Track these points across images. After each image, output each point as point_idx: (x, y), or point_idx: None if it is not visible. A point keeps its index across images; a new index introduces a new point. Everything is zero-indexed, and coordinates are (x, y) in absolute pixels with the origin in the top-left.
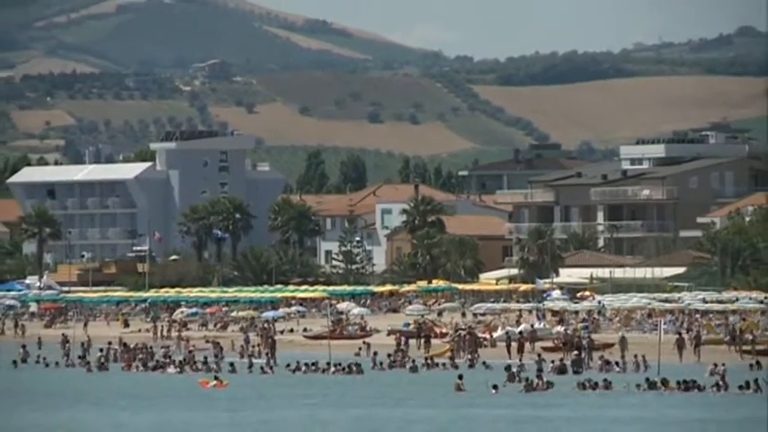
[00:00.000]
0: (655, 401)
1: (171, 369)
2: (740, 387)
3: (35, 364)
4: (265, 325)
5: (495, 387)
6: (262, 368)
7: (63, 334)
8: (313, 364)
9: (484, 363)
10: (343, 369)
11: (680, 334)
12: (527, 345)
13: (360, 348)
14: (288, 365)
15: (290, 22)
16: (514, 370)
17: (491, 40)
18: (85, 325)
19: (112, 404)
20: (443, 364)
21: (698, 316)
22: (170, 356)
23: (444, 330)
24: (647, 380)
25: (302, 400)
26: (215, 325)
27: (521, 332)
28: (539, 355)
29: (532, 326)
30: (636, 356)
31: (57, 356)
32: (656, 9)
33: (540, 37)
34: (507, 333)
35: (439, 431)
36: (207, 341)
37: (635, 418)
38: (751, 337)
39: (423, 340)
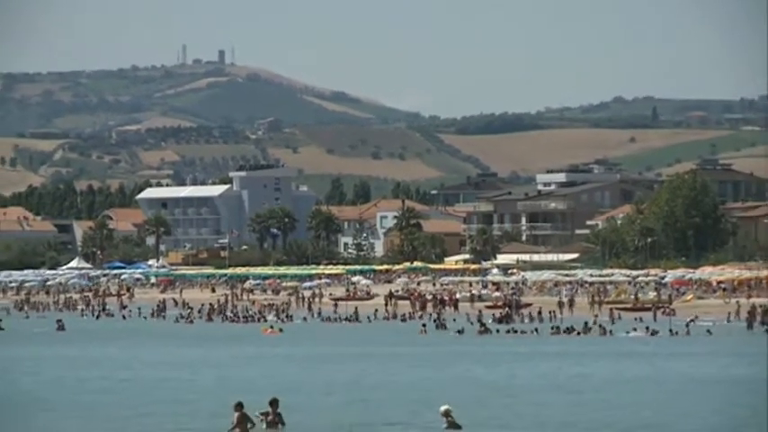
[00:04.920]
0: (565, 341)
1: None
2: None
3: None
4: (315, 291)
5: (458, 332)
6: (305, 318)
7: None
8: (336, 318)
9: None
10: (347, 320)
11: (560, 299)
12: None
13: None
14: (304, 319)
15: (320, 92)
16: (443, 321)
17: (452, 104)
18: (180, 292)
19: (203, 344)
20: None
21: (587, 285)
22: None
23: (427, 295)
24: (568, 327)
25: (321, 342)
26: (272, 291)
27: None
28: (479, 311)
29: (474, 292)
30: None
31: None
32: (559, 84)
33: (484, 102)
34: (458, 296)
35: (412, 359)
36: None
37: (548, 351)
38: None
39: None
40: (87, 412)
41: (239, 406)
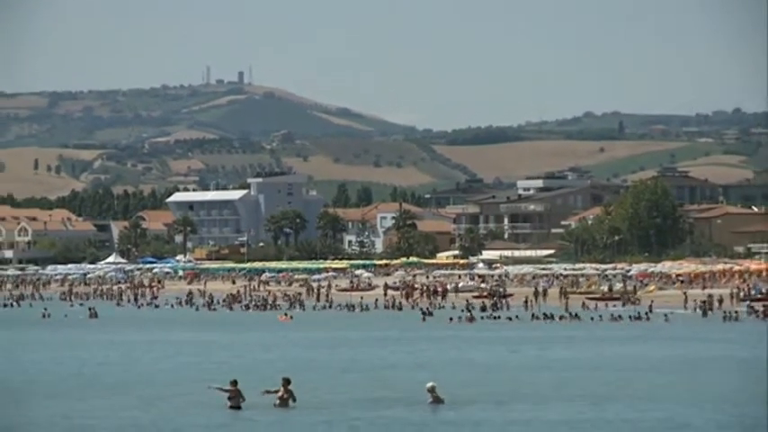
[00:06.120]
0: (543, 325)
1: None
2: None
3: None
4: (321, 284)
5: (450, 319)
6: (314, 307)
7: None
8: (346, 305)
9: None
10: (352, 308)
11: (536, 288)
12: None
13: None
14: (313, 307)
15: (327, 108)
16: (430, 311)
17: (443, 118)
18: (205, 284)
19: (227, 329)
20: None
21: (561, 277)
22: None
23: (417, 286)
24: (544, 314)
25: (332, 327)
26: (285, 283)
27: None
28: (467, 301)
29: (462, 283)
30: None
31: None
32: (537, 101)
33: (472, 117)
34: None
35: (408, 341)
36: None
37: (532, 335)
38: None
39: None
40: (126, 390)
41: (234, 383)
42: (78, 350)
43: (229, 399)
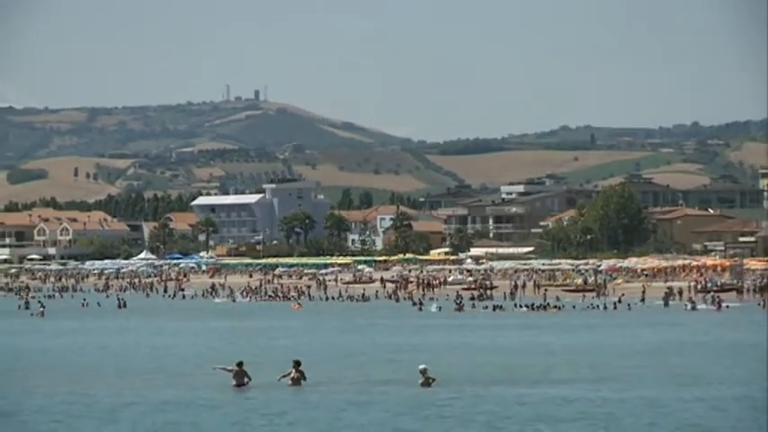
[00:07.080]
0: (528, 315)
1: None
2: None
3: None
4: (326, 276)
5: (439, 308)
6: (321, 297)
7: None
8: (349, 296)
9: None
10: (357, 299)
11: (515, 283)
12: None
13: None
14: (320, 298)
15: (334, 122)
16: (422, 300)
17: (436, 131)
18: (225, 277)
19: (241, 317)
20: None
21: (540, 272)
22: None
23: (412, 279)
24: (531, 304)
25: (336, 316)
26: (296, 277)
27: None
28: (457, 293)
29: (451, 278)
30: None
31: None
32: (519, 115)
33: (461, 129)
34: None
35: (402, 329)
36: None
37: (516, 323)
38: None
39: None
40: (158, 371)
41: (239, 364)
42: (116, 335)
43: (234, 378)
